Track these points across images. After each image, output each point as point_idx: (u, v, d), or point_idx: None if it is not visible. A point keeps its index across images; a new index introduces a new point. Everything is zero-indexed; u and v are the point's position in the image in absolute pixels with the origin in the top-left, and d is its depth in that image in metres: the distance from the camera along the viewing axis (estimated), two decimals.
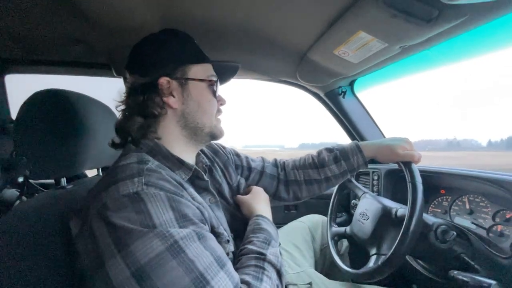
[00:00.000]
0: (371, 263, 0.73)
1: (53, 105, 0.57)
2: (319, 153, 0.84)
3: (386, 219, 0.79)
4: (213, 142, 0.77)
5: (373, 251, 0.76)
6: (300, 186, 0.83)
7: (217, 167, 0.71)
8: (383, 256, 0.72)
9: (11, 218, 0.48)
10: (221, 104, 0.63)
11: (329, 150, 0.83)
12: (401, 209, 0.76)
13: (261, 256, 0.51)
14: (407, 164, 0.71)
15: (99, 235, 0.40)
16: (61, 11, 0.75)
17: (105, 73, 1.11)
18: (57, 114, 0.56)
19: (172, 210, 0.42)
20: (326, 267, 0.99)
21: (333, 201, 1.01)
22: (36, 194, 0.91)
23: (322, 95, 1.22)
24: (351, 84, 1.18)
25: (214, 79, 0.60)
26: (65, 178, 0.64)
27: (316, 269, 0.91)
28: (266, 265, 0.50)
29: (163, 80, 0.54)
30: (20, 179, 0.77)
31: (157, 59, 0.56)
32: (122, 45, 0.92)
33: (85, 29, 0.84)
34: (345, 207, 1.33)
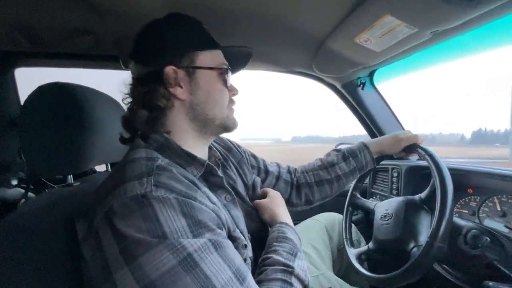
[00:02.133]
0: (415, 255, 0.64)
1: (58, 99, 0.54)
2: (327, 154, 0.87)
3: (412, 209, 0.73)
4: (227, 139, 0.74)
5: (411, 245, 0.69)
6: (312, 188, 0.83)
7: (231, 164, 0.67)
8: (423, 245, 0.64)
9: (13, 219, 0.46)
10: (233, 94, 0.58)
11: (337, 150, 0.86)
12: (423, 193, 0.72)
13: (289, 269, 0.47)
14: (415, 145, 0.77)
15: (106, 243, 0.37)
16: (68, 1, 0.73)
17: (113, 65, 1.09)
18: (62, 108, 0.54)
19: (184, 216, 0.38)
20: (343, 268, 0.95)
21: (345, 223, 0.94)
22: (46, 190, 0.91)
23: (339, 86, 1.15)
24: (371, 75, 1.10)
25: (225, 67, 0.55)
26: (71, 175, 0.62)
27: (333, 271, 0.88)
28: (294, 280, 0.46)
29: (169, 69, 0.50)
30: (14, 182, 0.76)
31: (162, 46, 0.51)
32: (130, 35, 0.88)
33: (93, 19, 0.81)
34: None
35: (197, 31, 0.54)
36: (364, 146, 0.84)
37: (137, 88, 0.51)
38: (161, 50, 0.51)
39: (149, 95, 0.49)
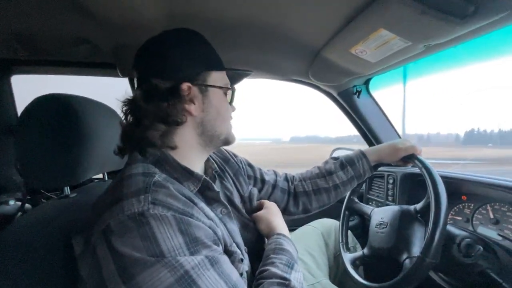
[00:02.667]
0: (406, 268, 0.66)
1: (54, 111, 0.54)
2: (325, 162, 0.86)
3: (407, 220, 0.74)
4: (224, 149, 0.74)
5: (404, 256, 0.70)
6: (309, 197, 0.82)
7: (228, 176, 0.68)
8: (415, 258, 0.65)
9: (10, 233, 0.46)
10: (234, 110, 0.62)
11: (335, 158, 0.86)
12: (419, 204, 0.73)
13: (285, 282, 0.48)
14: (413, 156, 0.77)
15: (103, 261, 0.37)
16: (66, 10, 0.73)
17: (110, 73, 1.09)
18: (59, 120, 0.54)
19: (181, 234, 0.38)
20: (339, 275, 0.95)
21: (342, 227, 0.96)
22: (43, 200, 0.91)
23: (335, 94, 1.17)
24: (366, 83, 1.12)
25: (230, 86, 0.60)
26: (68, 186, 0.62)
27: (329, 278, 0.88)
28: None
29: (185, 86, 0.51)
30: (11, 202, 0.75)
31: (182, 62, 0.52)
32: (127, 44, 0.89)
33: (90, 27, 0.81)
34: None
35: (210, 51, 0.57)
36: (362, 154, 0.84)
37: (154, 102, 0.50)
38: (181, 66, 0.52)
39: (170, 110, 0.50)
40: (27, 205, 0.84)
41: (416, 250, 0.68)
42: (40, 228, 0.48)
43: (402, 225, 0.74)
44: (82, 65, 1.06)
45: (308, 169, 0.88)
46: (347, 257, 0.87)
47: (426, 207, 0.68)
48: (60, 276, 0.45)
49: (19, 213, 0.79)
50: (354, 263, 0.84)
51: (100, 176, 0.78)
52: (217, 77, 0.56)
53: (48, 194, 0.91)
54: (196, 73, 0.53)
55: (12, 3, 0.69)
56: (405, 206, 0.77)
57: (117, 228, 0.37)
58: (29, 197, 0.90)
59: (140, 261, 0.35)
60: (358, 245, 1.02)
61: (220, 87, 0.56)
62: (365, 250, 0.84)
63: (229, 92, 0.60)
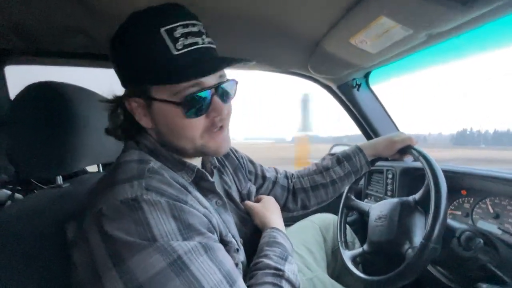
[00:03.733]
0: (409, 258, 0.64)
1: (47, 98, 0.53)
2: (322, 159, 0.86)
3: (406, 211, 0.73)
4: None
5: (406, 246, 0.68)
6: (307, 193, 0.82)
7: (227, 170, 0.67)
8: (417, 246, 0.64)
9: None
10: (216, 117, 0.46)
11: (331, 154, 0.86)
12: (417, 194, 0.72)
13: (279, 273, 0.47)
14: (409, 147, 0.77)
15: (95, 246, 0.36)
16: (62, 0, 0.71)
17: (106, 64, 1.07)
18: (51, 107, 0.52)
19: (174, 220, 0.37)
20: (337, 270, 0.95)
21: (340, 225, 0.94)
22: (35, 191, 0.89)
23: (334, 88, 1.15)
24: (366, 76, 1.10)
25: (189, 98, 0.43)
26: (61, 176, 0.60)
27: (327, 272, 0.87)
28: (284, 283, 0.46)
29: (127, 99, 0.47)
30: (2, 190, 0.74)
31: (120, 67, 0.46)
32: None
33: (86, 18, 0.79)
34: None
35: (163, 54, 0.42)
36: (359, 149, 0.83)
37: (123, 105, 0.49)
38: (123, 73, 0.47)
39: (131, 114, 0.48)
40: (18, 195, 0.82)
41: (418, 239, 0.67)
42: (30, 217, 0.47)
43: (402, 216, 0.73)
44: (78, 56, 1.04)
45: (306, 166, 0.88)
46: (346, 254, 0.85)
47: (425, 196, 0.67)
48: (51, 265, 0.44)
49: (9, 202, 0.78)
50: (354, 260, 0.82)
51: (96, 170, 0.77)
52: (163, 88, 0.43)
53: (41, 185, 0.89)
54: (138, 83, 0.45)
55: None
56: (404, 198, 0.76)
57: (109, 213, 0.36)
58: (19, 187, 0.88)
59: (132, 244, 0.34)
60: (357, 240, 1.01)
61: (166, 101, 0.43)
62: (365, 246, 0.83)
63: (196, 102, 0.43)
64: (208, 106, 0.45)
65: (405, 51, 0.78)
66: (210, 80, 0.44)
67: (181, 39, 0.42)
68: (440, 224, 0.59)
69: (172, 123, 0.45)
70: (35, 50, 1.01)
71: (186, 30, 0.42)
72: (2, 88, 1.05)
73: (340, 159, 0.82)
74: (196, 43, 0.43)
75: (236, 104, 0.54)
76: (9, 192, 0.80)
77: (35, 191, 0.89)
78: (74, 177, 0.71)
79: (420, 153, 0.72)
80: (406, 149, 0.79)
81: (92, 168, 0.85)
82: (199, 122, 0.46)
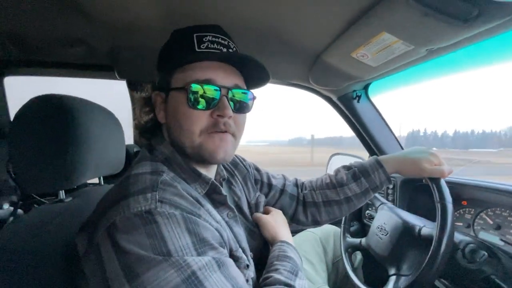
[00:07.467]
0: (390, 285, 0.68)
1: (49, 112, 0.52)
2: (337, 172, 0.78)
3: (407, 238, 0.73)
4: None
5: (392, 271, 0.71)
6: (319, 208, 0.75)
7: (237, 180, 0.67)
8: (403, 278, 0.67)
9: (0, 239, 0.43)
10: (219, 116, 0.47)
11: (347, 167, 0.76)
12: (425, 228, 0.70)
13: None
14: (436, 181, 0.66)
15: (107, 260, 0.36)
16: (61, 11, 0.71)
17: (107, 75, 1.06)
18: (54, 121, 0.52)
19: (189, 233, 0.37)
20: (338, 282, 0.94)
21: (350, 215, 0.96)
22: (35, 206, 0.87)
23: (335, 99, 1.16)
24: (366, 87, 1.11)
25: (195, 86, 0.45)
26: (63, 191, 0.59)
27: (328, 284, 0.86)
28: None
29: (154, 93, 0.53)
30: (6, 206, 0.73)
31: (159, 59, 0.54)
32: (125, 46, 0.87)
33: (87, 28, 0.79)
34: (357, 216, 1.27)
35: (178, 45, 0.50)
36: (378, 164, 0.72)
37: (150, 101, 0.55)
38: (160, 63, 0.54)
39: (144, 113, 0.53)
40: (20, 211, 0.80)
41: (405, 267, 0.68)
42: (32, 234, 0.45)
43: (400, 241, 0.74)
44: (78, 67, 1.03)
45: (319, 177, 0.81)
46: (346, 241, 0.91)
47: (431, 237, 0.64)
48: (54, 282, 0.42)
49: (11, 218, 0.76)
50: (347, 250, 0.89)
51: (96, 181, 0.75)
52: (179, 77, 0.48)
53: (42, 199, 0.87)
54: (161, 76, 0.52)
55: (6, 3, 0.68)
56: (410, 222, 0.75)
57: (122, 225, 0.36)
58: (21, 202, 0.86)
59: (145, 259, 0.34)
60: (359, 253, 1.00)
61: (178, 89, 0.47)
62: (363, 241, 0.87)
63: (195, 90, 0.45)
64: (214, 103, 0.47)
65: (405, 64, 0.80)
66: (224, 81, 0.48)
67: (207, 43, 0.48)
68: (433, 272, 0.60)
69: (177, 111, 0.48)
70: (34, 61, 1.01)
71: (215, 39, 0.49)
72: (1, 99, 1.04)
73: (356, 175, 0.73)
74: (220, 50, 0.48)
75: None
76: (11, 208, 0.79)
77: (35, 205, 0.87)
78: (74, 190, 0.69)
79: (442, 198, 0.64)
80: (430, 180, 0.68)
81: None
82: (201, 117, 0.47)
